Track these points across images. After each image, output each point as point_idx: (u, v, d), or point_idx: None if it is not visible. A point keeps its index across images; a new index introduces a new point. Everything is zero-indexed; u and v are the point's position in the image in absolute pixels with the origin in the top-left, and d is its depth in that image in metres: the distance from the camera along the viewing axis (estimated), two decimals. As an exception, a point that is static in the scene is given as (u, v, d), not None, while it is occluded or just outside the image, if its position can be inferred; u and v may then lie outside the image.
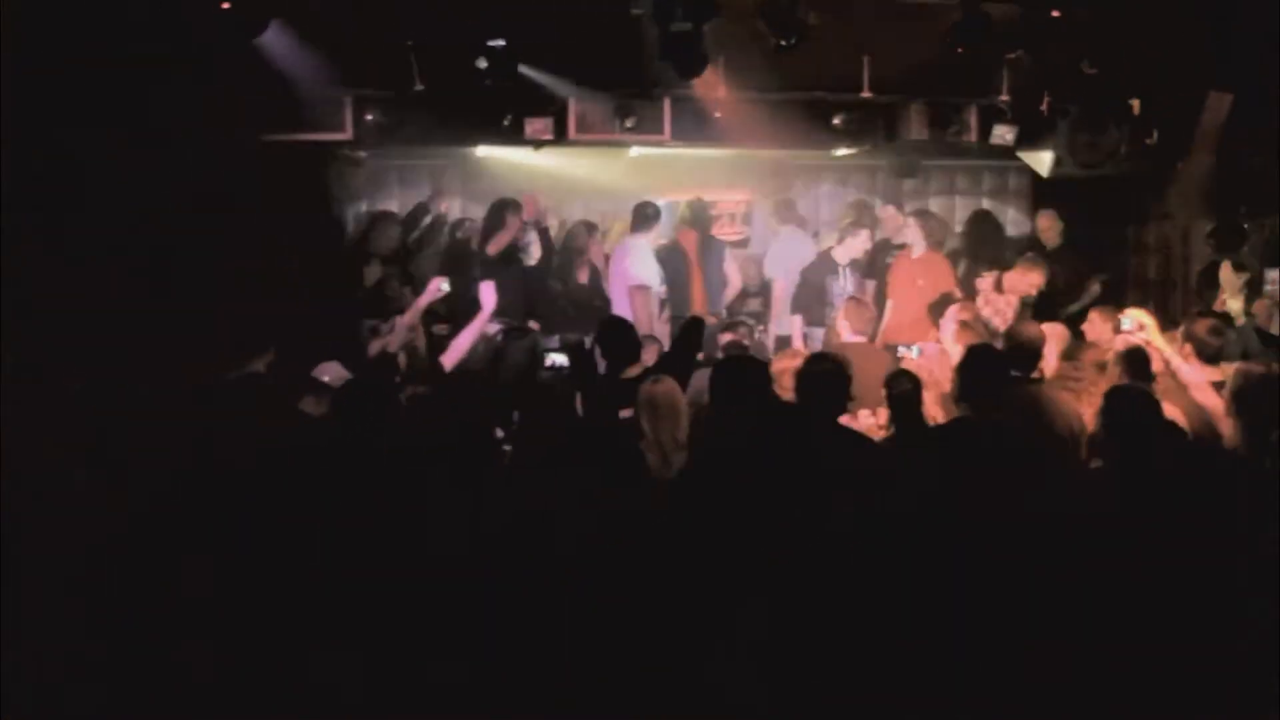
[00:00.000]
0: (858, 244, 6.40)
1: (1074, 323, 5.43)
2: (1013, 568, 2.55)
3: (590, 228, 6.74)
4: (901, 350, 4.74)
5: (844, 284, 6.34)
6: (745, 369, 3.17)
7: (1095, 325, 4.76)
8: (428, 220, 6.82)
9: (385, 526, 2.67)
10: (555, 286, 6.50)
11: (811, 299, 6.31)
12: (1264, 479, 2.89)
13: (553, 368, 4.37)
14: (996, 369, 3.47)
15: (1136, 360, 3.77)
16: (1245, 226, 5.96)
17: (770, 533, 2.53)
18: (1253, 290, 5.89)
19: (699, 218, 6.59)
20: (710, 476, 2.87)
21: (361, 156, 6.90)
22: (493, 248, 5.98)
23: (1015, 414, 3.52)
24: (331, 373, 4.04)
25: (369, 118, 5.65)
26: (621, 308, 5.99)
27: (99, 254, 4.59)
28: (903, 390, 3.78)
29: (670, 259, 6.52)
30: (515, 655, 2.36)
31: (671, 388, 3.73)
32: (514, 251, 6.16)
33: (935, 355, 4.60)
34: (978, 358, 3.47)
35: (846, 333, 5.17)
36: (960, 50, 5.15)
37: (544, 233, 6.50)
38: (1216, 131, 5.86)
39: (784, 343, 6.14)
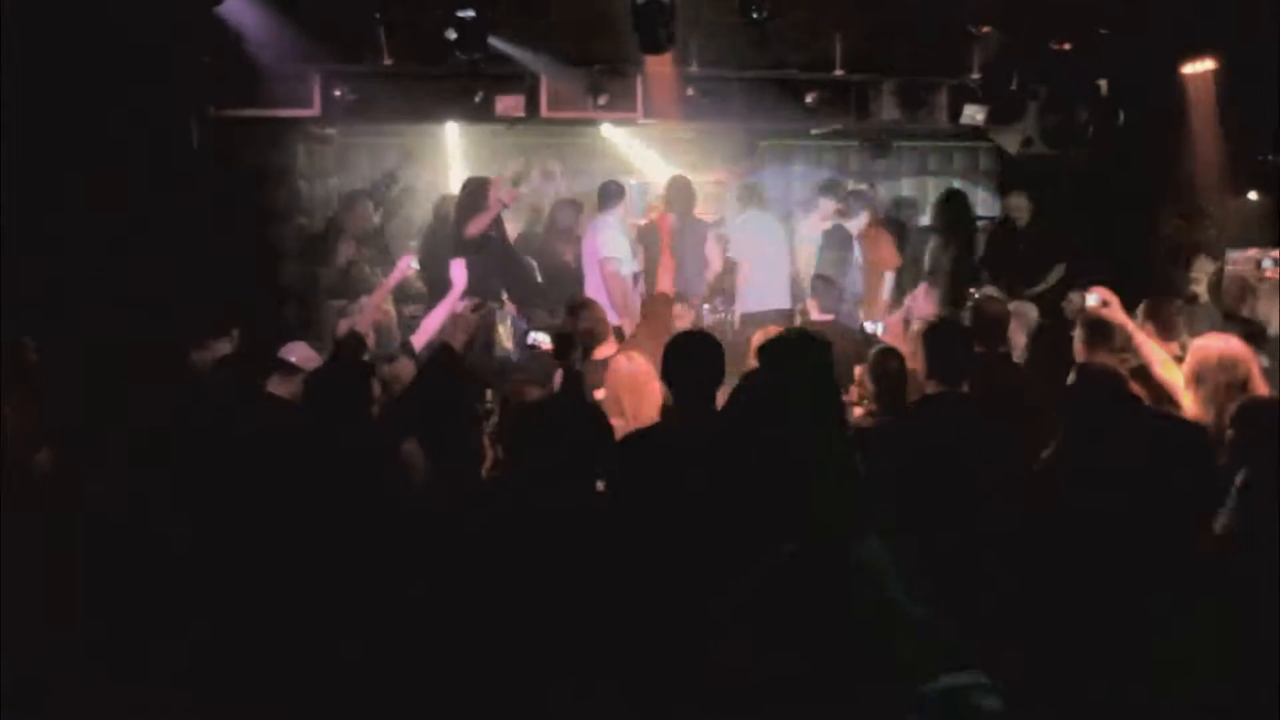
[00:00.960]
0: (865, 216, 6.54)
1: (1041, 302, 5.48)
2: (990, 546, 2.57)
3: (575, 207, 6.66)
4: (869, 327, 4.76)
5: (856, 256, 6.56)
6: (700, 345, 3.03)
7: (1075, 304, 4.84)
8: (396, 190, 6.74)
9: (367, 511, 2.65)
10: (532, 264, 6.45)
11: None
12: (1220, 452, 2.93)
13: (533, 346, 4.35)
14: (962, 343, 3.48)
15: (1098, 329, 3.80)
16: (1208, 209, 6.02)
17: (747, 519, 2.49)
18: (1217, 271, 5.96)
19: (681, 196, 6.45)
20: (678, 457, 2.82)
21: (329, 133, 6.81)
22: (473, 229, 5.86)
23: (985, 389, 3.54)
24: (298, 353, 3.99)
25: (337, 93, 5.56)
26: (595, 285, 5.97)
27: (70, 243, 4.52)
28: (891, 369, 3.62)
29: (644, 238, 6.49)
30: (500, 645, 2.33)
31: (642, 366, 3.72)
32: (487, 232, 6.09)
33: (900, 333, 4.63)
34: (942, 333, 3.48)
35: (815, 311, 5.20)
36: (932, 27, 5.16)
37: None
38: (1208, 111, 5.80)
39: (749, 320, 6.15)
